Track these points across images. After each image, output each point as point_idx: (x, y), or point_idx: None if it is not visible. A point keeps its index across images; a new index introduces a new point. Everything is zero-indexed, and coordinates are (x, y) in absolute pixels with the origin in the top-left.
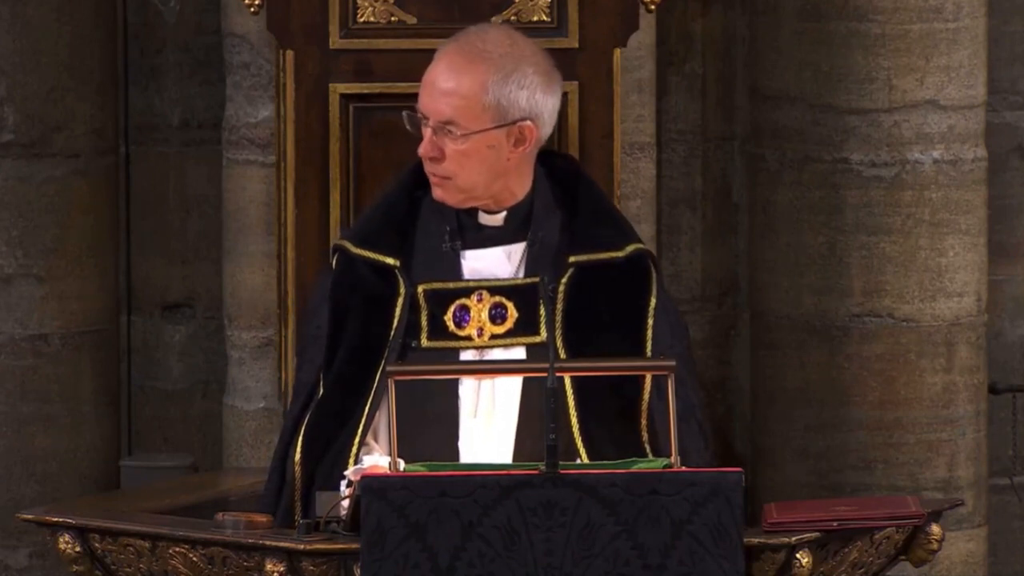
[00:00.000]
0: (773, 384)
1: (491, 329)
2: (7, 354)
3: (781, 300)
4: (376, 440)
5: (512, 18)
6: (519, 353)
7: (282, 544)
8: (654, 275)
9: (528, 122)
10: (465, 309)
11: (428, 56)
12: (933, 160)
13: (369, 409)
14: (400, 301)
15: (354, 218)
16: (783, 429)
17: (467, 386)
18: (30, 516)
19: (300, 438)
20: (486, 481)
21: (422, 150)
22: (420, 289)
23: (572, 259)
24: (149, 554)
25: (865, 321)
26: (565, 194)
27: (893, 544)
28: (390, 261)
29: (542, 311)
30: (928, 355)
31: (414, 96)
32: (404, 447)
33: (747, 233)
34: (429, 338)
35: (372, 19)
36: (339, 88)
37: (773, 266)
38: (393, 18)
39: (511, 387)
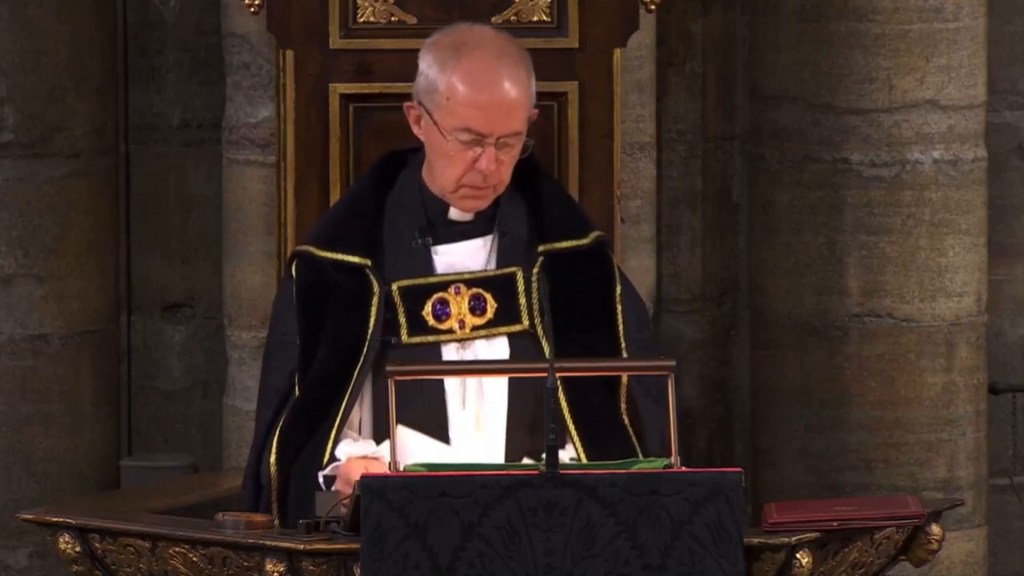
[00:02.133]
0: (773, 384)
1: (472, 321)
2: (7, 354)
3: (781, 300)
4: (359, 435)
5: (512, 18)
6: (501, 342)
7: (282, 544)
8: (615, 261)
9: (536, 110)
10: (444, 303)
11: None
12: (933, 160)
13: (345, 407)
14: (375, 300)
15: None
16: (783, 429)
17: (452, 381)
18: (30, 516)
19: (275, 441)
20: (486, 481)
21: (489, 167)
22: (394, 287)
23: (541, 248)
24: (149, 554)
25: (865, 321)
26: (525, 184)
27: (893, 544)
28: (360, 261)
29: (521, 300)
30: (928, 355)
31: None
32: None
33: (747, 233)
34: (410, 334)
35: (372, 19)
36: (339, 88)
37: (773, 266)
38: (393, 18)
39: (496, 379)
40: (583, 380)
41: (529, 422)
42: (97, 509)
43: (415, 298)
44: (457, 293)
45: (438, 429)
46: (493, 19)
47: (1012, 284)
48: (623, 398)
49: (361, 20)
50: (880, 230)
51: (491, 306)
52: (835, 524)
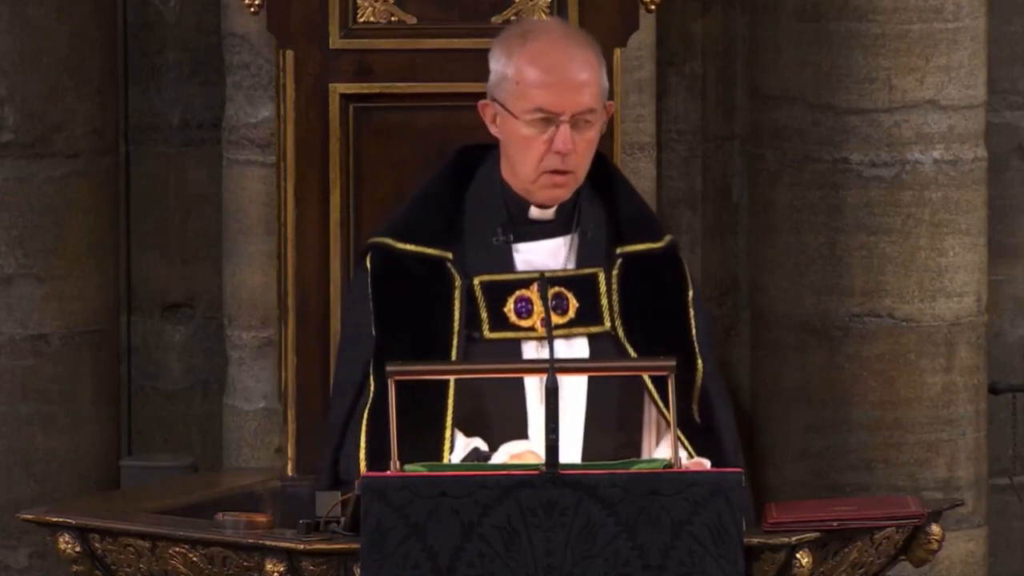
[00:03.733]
0: (773, 384)
1: (554, 319)
2: (7, 354)
3: (781, 300)
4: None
5: (512, 18)
6: (581, 342)
7: (282, 544)
8: (686, 265)
9: (611, 101)
10: (527, 300)
11: (428, 56)
12: (933, 160)
13: (453, 399)
14: (457, 293)
15: (357, 217)
16: (783, 429)
17: (533, 380)
18: (30, 516)
19: (362, 435)
20: (486, 481)
21: (565, 146)
22: (476, 281)
23: (619, 250)
24: (149, 554)
25: (865, 321)
26: (601, 186)
27: (893, 544)
28: (440, 253)
29: (603, 301)
30: (928, 355)
31: (414, 96)
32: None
33: (747, 233)
34: (491, 329)
35: (372, 19)
36: (339, 88)
37: (773, 266)
38: (393, 18)
39: (577, 378)
40: (663, 383)
41: (609, 422)
42: (97, 509)
43: (497, 294)
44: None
45: (518, 426)
46: (493, 19)
47: (1012, 284)
48: (695, 400)
49: (361, 20)
50: (880, 230)
51: (572, 305)
52: (835, 524)
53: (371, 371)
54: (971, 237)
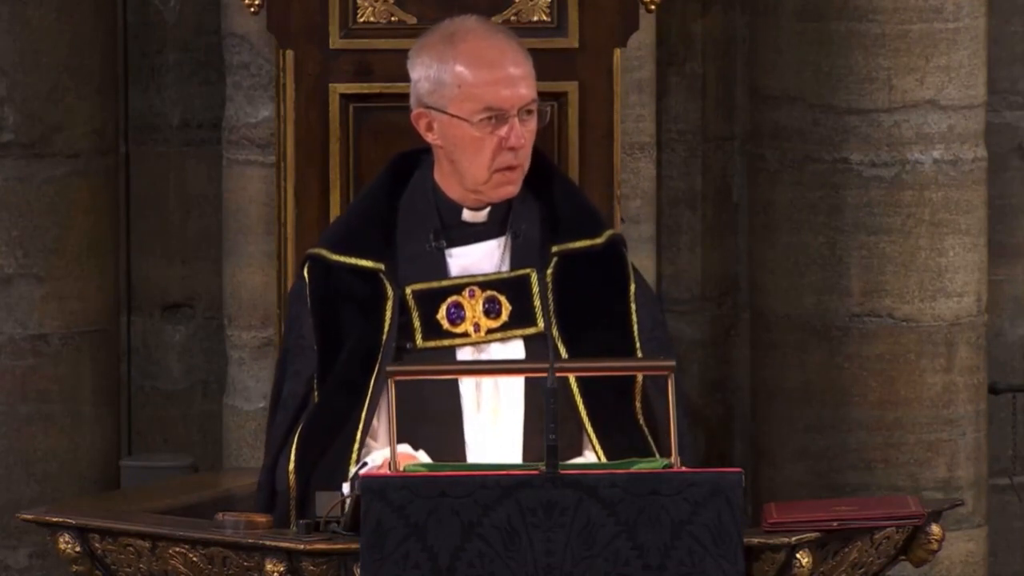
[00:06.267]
0: (773, 384)
1: (487, 324)
2: (7, 354)
3: (781, 300)
4: (376, 442)
5: (512, 18)
6: (517, 345)
7: (282, 544)
8: (629, 260)
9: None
10: (459, 306)
11: None
12: (933, 160)
13: (367, 412)
14: (389, 304)
15: None
16: (783, 429)
17: (467, 382)
18: (30, 516)
19: (293, 447)
20: (486, 481)
21: (520, 141)
22: (408, 290)
23: (555, 249)
24: (149, 554)
25: (865, 321)
26: (538, 184)
27: (893, 544)
28: (373, 265)
29: (536, 302)
30: (928, 355)
31: None
32: (411, 447)
33: (747, 233)
34: (424, 338)
35: (372, 19)
36: (339, 88)
37: (773, 266)
38: (393, 18)
39: (513, 380)
40: (598, 381)
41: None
42: (97, 509)
43: (429, 302)
44: (472, 296)
45: (454, 432)
46: (492, 19)
47: (1012, 284)
48: (638, 398)
49: (361, 20)
50: (880, 230)
51: (506, 308)
52: (835, 524)
53: (314, 385)
54: (971, 237)
